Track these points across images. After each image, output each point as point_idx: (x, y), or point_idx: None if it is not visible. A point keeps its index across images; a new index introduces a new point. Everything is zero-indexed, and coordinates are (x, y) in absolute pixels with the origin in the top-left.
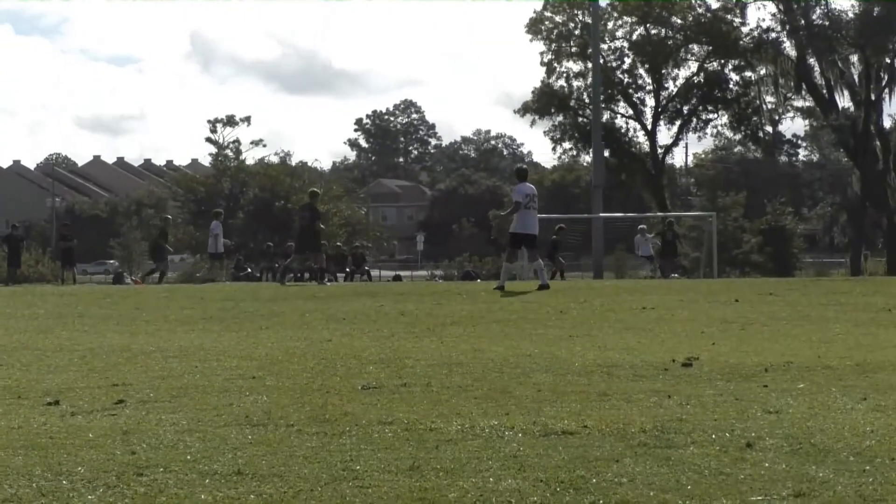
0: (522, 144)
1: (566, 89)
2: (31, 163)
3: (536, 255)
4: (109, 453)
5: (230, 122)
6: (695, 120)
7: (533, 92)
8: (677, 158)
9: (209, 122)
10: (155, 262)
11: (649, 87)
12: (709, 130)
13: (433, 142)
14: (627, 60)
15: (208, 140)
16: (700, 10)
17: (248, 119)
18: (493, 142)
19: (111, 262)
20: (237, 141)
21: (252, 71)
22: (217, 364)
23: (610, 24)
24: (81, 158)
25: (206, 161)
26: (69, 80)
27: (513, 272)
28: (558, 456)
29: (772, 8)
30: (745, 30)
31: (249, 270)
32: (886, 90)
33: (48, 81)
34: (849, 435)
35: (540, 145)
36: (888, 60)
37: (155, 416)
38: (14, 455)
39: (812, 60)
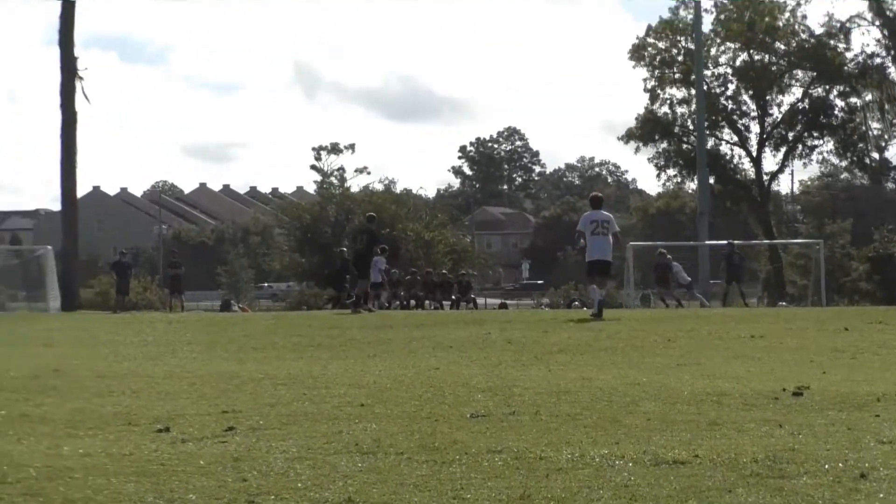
0: (626, 171)
1: (670, 116)
2: (137, 190)
3: (606, 281)
4: (220, 480)
5: (334, 149)
6: (800, 146)
7: (637, 118)
8: (783, 185)
9: (314, 149)
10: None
11: (754, 114)
12: (814, 157)
13: (537, 169)
14: (731, 86)
15: (313, 167)
16: (804, 36)
17: (352, 146)
18: (597, 168)
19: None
20: (342, 168)
21: (356, 98)
22: (326, 391)
23: (713, 51)
24: (188, 186)
25: (311, 188)
26: (175, 108)
27: (598, 297)
28: (669, 486)
29: (876, 33)
30: (849, 55)
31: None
32: None
33: (154, 109)
34: None
35: (644, 172)
36: None
37: (265, 443)
38: (126, 482)
39: None
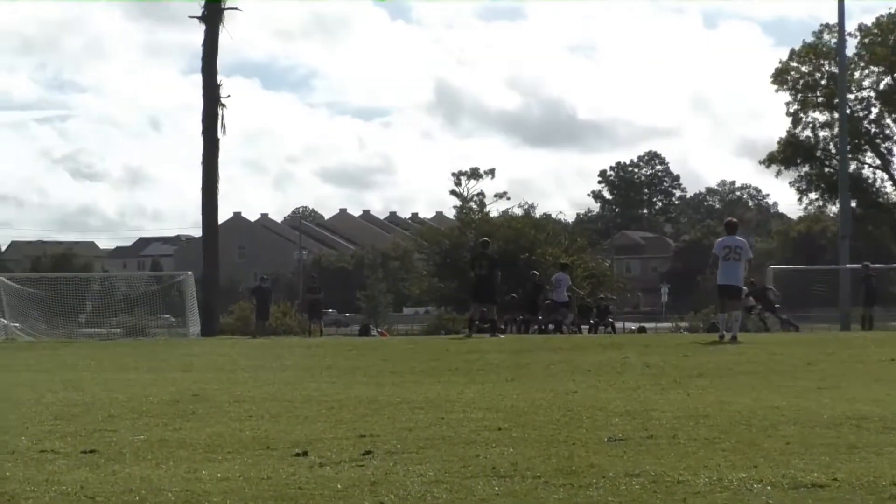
0: (768, 195)
1: (812, 139)
2: (278, 216)
3: (737, 305)
4: None
5: (474, 174)
6: None
7: (778, 142)
8: None
9: (454, 174)
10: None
11: None
12: None
13: (677, 193)
14: (874, 110)
15: (453, 193)
16: None
17: (492, 172)
18: (738, 192)
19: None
20: (481, 193)
21: (496, 123)
22: (463, 415)
23: (857, 74)
24: (328, 211)
25: (450, 213)
26: (315, 134)
27: (723, 321)
28: None
29: None
30: None
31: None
32: None
33: (295, 135)
34: None
35: (786, 196)
36: None
37: (402, 467)
38: None
39: None
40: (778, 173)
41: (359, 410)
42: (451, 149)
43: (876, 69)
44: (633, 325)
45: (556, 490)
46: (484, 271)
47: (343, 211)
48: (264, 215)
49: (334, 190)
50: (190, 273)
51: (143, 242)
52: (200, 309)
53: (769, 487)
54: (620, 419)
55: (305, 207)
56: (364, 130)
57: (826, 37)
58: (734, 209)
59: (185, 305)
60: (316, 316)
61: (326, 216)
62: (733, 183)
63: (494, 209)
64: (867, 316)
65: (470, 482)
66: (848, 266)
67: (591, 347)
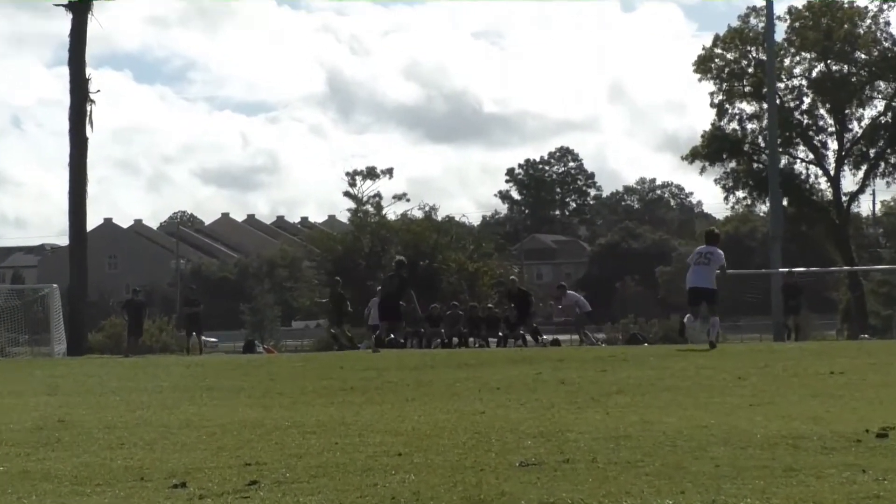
0: (692, 194)
1: (739, 133)
2: (153, 222)
3: (714, 309)
4: None
5: (370, 174)
6: (882, 164)
7: (702, 136)
8: (864, 207)
9: (347, 174)
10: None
11: (831, 129)
12: None
13: (592, 192)
14: (807, 100)
15: (346, 195)
16: (886, 45)
17: (389, 171)
18: (658, 191)
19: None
20: (378, 195)
21: (394, 117)
22: (359, 440)
23: (787, 61)
24: (208, 216)
25: (343, 217)
26: (194, 131)
27: (691, 324)
28: None
29: None
30: None
31: (393, 336)
32: None
33: (171, 133)
34: None
35: (711, 194)
36: None
37: (292, 498)
38: None
39: None
40: (702, 170)
41: (243, 436)
42: (345, 146)
43: (808, 55)
44: (547, 338)
45: None
46: (392, 289)
47: (225, 215)
48: (138, 221)
49: (215, 192)
50: (55, 286)
51: (4, 252)
52: (67, 325)
53: None
54: (533, 441)
55: (184, 212)
56: (247, 126)
57: (753, 21)
58: (655, 209)
59: (50, 322)
60: (195, 331)
61: (207, 221)
62: (653, 181)
63: (392, 212)
64: (791, 326)
65: None
66: (781, 270)
67: (501, 363)
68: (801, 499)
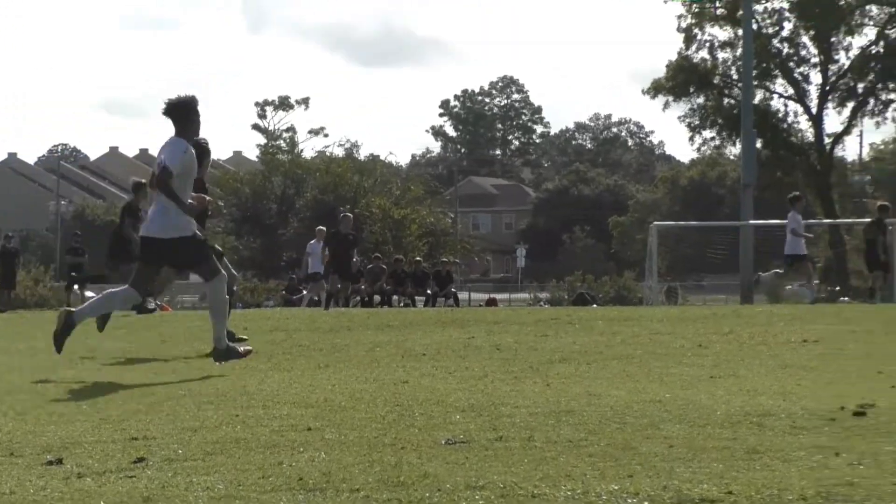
0: (653, 132)
1: (709, 63)
2: (30, 156)
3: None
4: None
5: (284, 104)
6: (872, 101)
7: (667, 66)
8: (849, 150)
9: (257, 104)
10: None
11: (815, 60)
12: (889, 114)
13: (539, 129)
14: (788, 26)
15: (256, 127)
16: None
17: (306, 101)
18: (614, 129)
19: None
20: (292, 129)
21: (312, 38)
22: (263, 412)
23: None
24: (95, 150)
25: (252, 154)
26: (80, 50)
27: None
28: None
29: None
30: None
31: (305, 293)
32: None
33: (54, 51)
34: None
35: (675, 134)
36: None
37: (184, 478)
38: None
39: None
40: (665, 105)
41: (129, 406)
42: (254, 71)
43: None
44: (482, 297)
45: None
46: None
47: (114, 150)
48: (12, 155)
49: (104, 122)
50: None
51: None
52: None
53: (647, 502)
54: (462, 416)
55: (66, 145)
56: (142, 46)
57: None
58: (610, 150)
59: None
60: (77, 283)
61: (93, 156)
62: (609, 117)
63: (309, 148)
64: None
65: (270, 497)
66: (752, 222)
67: (428, 325)
68: (764, 485)
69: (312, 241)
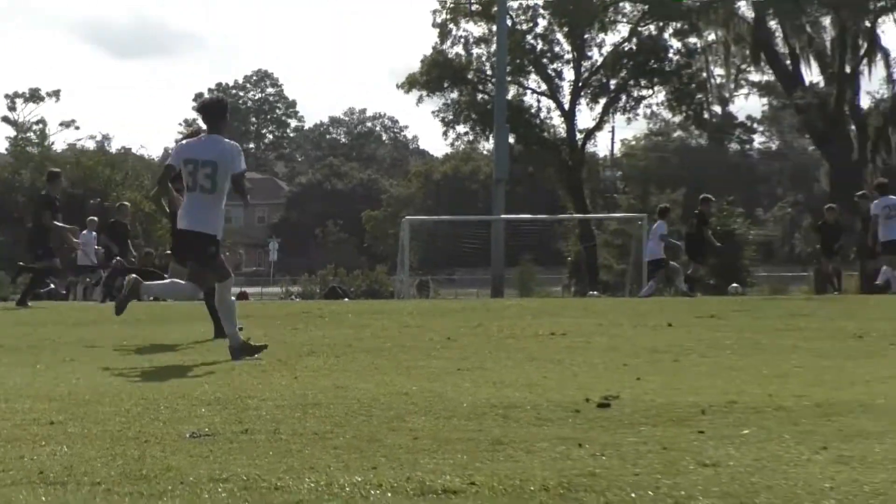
0: (406, 127)
1: (463, 58)
2: None
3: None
4: None
5: (34, 97)
6: (624, 97)
7: (422, 61)
8: (601, 146)
9: (7, 96)
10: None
11: (568, 56)
12: (641, 110)
13: (293, 123)
14: (542, 22)
15: (5, 120)
16: None
17: (56, 93)
18: (369, 124)
19: None
20: (42, 121)
21: (64, 29)
22: (5, 406)
23: None
24: None
25: (0, 147)
26: None
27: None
28: None
29: None
30: None
31: (53, 286)
32: (865, 61)
33: None
34: (803, 493)
35: (429, 128)
36: (867, 24)
37: None
38: None
39: (773, 24)
40: (419, 100)
41: None
42: (3, 63)
43: None
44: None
45: (121, 499)
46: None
47: None
48: None
49: None
50: None
51: None
52: None
53: (389, 494)
54: (208, 409)
55: None
56: None
57: None
58: (364, 144)
59: None
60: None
61: None
62: (363, 111)
63: (61, 141)
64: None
65: (9, 491)
66: (503, 217)
67: (177, 320)
68: (507, 475)
69: (84, 232)
